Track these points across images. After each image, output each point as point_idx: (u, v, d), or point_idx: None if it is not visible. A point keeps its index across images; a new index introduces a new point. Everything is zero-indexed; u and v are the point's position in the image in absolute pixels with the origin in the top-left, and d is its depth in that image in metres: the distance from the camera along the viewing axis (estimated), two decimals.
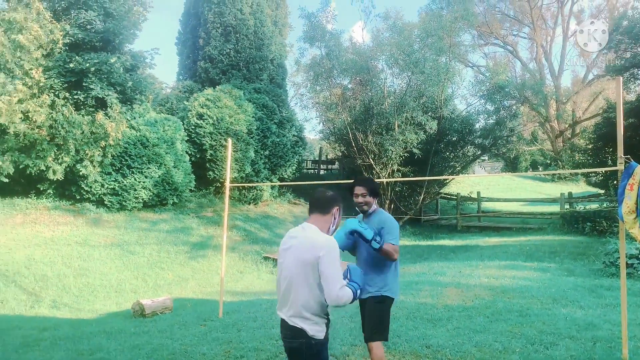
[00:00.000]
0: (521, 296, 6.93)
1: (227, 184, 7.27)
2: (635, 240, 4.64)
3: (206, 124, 17.21)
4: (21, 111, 11.79)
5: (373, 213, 3.84)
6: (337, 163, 28.59)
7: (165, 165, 15.02)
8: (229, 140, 7.47)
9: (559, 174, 31.26)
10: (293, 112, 22.61)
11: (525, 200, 22.44)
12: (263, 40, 21.32)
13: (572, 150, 23.63)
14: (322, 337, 2.78)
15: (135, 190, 14.32)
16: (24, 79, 12.02)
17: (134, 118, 14.93)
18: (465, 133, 20.11)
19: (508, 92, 19.69)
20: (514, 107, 20.52)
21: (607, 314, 5.89)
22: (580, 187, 27.67)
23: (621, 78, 4.34)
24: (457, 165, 21.22)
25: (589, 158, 16.85)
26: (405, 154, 18.04)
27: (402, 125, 17.75)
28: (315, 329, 2.76)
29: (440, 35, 17.32)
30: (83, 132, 12.89)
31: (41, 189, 13.53)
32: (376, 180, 5.43)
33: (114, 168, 14.08)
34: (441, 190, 21.98)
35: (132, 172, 14.28)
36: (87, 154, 13.24)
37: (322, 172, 29.12)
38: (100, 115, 13.01)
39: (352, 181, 3.93)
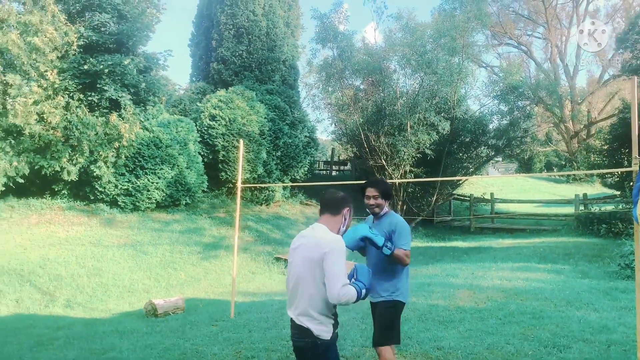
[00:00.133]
0: (534, 298, 6.84)
1: (239, 185, 7.31)
2: None
3: (219, 125, 17.30)
4: (36, 113, 11.97)
5: (384, 215, 3.77)
6: (349, 164, 28.48)
7: (178, 166, 15.12)
8: (241, 141, 7.51)
9: (574, 174, 30.88)
10: (305, 113, 22.60)
11: (540, 201, 22.18)
12: (275, 41, 21.39)
13: (587, 151, 23.28)
14: (328, 338, 2.77)
15: (148, 190, 14.44)
16: (39, 80, 12.20)
17: (147, 119, 15.04)
18: (479, 134, 19.95)
19: (522, 92, 19.51)
20: (528, 107, 20.30)
21: (622, 316, 5.80)
22: (595, 189, 27.28)
23: (636, 78, 4.27)
24: (471, 167, 21.04)
25: (604, 159, 16.59)
26: (418, 155, 17.93)
27: (415, 126, 17.64)
28: (321, 329, 2.75)
29: (453, 36, 17.18)
30: (97, 133, 13.05)
31: (56, 189, 13.72)
32: (388, 181, 5.38)
33: (127, 169, 14.21)
34: (454, 192, 21.84)
35: (146, 173, 14.40)
36: (101, 155, 13.38)
37: (334, 173, 29.12)
38: (114, 117, 13.17)
39: (364, 182, 3.88)
